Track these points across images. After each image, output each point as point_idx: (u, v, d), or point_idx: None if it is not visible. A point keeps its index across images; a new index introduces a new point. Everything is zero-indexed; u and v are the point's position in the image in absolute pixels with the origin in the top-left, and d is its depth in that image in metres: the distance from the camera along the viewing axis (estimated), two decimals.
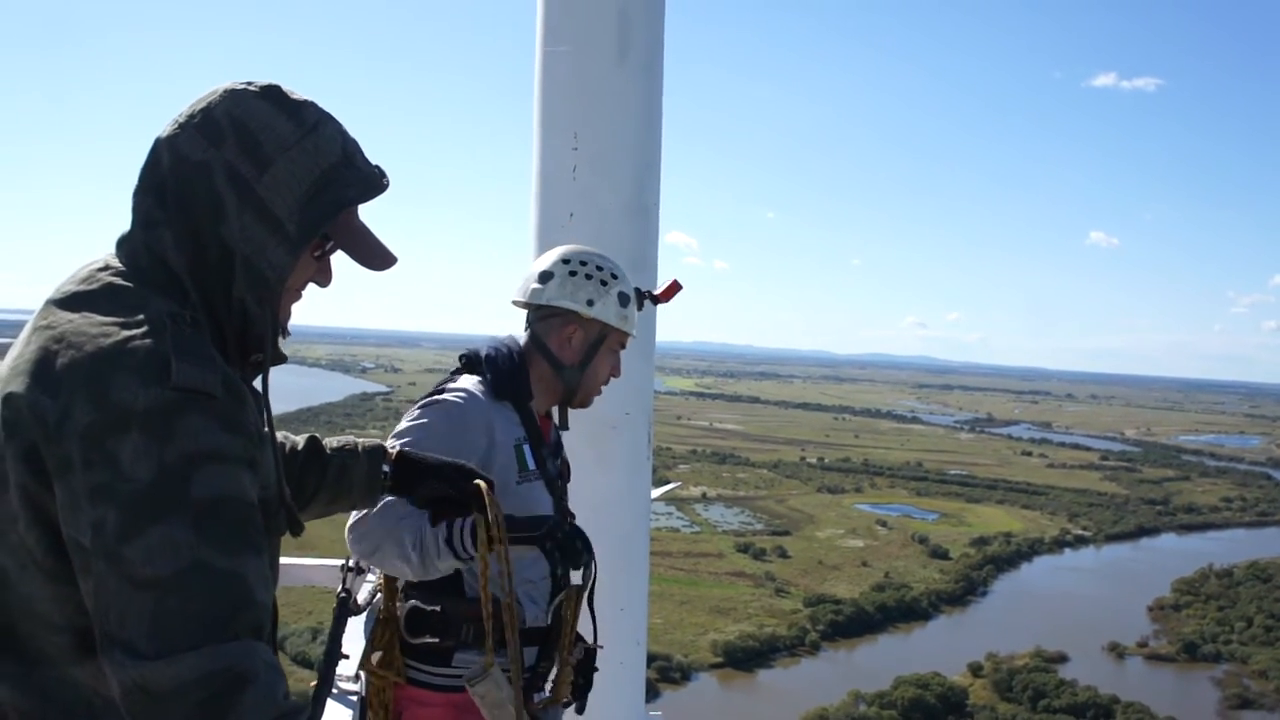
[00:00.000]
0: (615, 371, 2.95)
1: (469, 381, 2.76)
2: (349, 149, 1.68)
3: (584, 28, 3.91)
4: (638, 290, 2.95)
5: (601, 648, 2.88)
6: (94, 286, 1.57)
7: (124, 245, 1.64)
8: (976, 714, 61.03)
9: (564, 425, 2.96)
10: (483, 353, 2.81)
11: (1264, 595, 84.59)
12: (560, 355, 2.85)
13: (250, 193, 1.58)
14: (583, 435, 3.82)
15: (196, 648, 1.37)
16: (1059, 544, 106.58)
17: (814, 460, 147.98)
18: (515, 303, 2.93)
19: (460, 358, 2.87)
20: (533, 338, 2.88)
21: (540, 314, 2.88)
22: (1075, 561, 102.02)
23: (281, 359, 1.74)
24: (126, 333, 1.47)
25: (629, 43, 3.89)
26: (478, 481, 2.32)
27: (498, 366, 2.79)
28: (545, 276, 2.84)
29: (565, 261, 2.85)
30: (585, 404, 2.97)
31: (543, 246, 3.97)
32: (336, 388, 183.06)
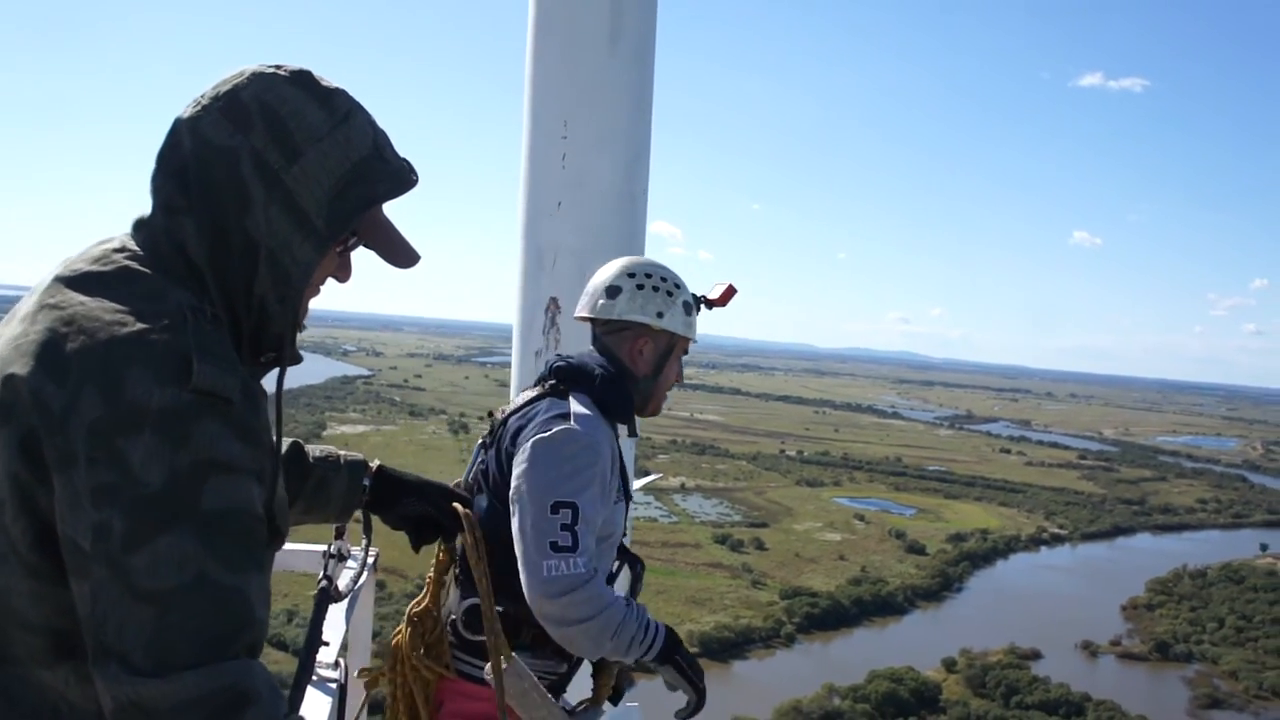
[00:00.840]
0: (679, 377, 2.98)
1: (584, 404, 2.69)
2: (380, 141, 1.60)
3: (575, 15, 3.89)
4: (694, 295, 2.96)
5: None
6: (108, 268, 1.47)
7: (142, 228, 1.55)
8: (949, 709, 61.41)
9: (634, 433, 2.98)
10: (595, 373, 2.77)
11: (1236, 596, 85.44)
12: (633, 367, 2.85)
13: (278, 184, 1.50)
14: None
15: (197, 666, 1.29)
16: (1035, 542, 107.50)
17: (793, 453, 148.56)
18: (580, 318, 2.93)
19: (557, 370, 2.80)
20: (603, 352, 2.88)
21: (609, 328, 2.86)
22: (1051, 559, 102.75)
23: (297, 359, 1.65)
24: (144, 324, 1.38)
25: (620, 31, 3.87)
26: (457, 505, 2.32)
27: (612, 389, 2.77)
28: (613, 291, 2.83)
29: (631, 275, 2.84)
30: (656, 412, 2.98)
31: (531, 234, 3.95)
32: (318, 370, 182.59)
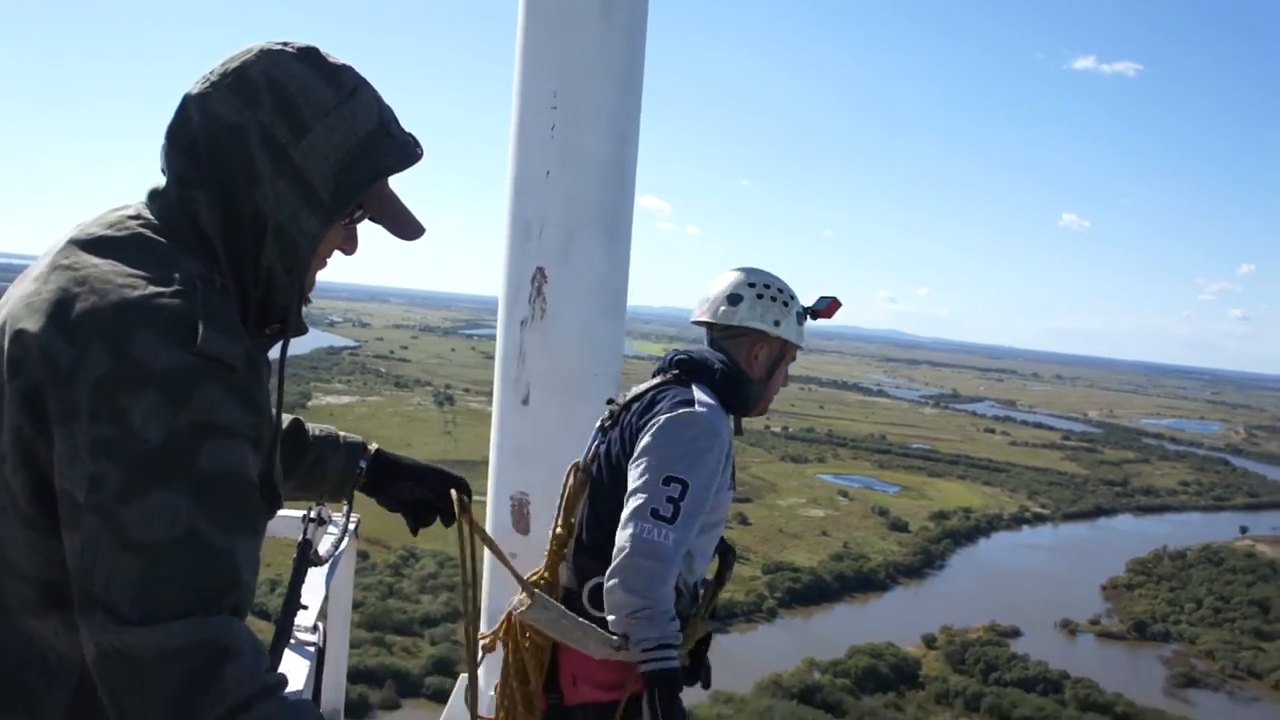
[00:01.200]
0: (785, 381, 3.23)
1: (705, 394, 2.90)
2: (385, 116, 1.63)
3: None
4: (803, 307, 3.20)
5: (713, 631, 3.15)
6: (123, 234, 1.51)
7: (157, 199, 1.58)
8: (928, 685, 61.82)
9: (740, 431, 3.14)
10: (716, 366, 2.98)
11: (1214, 578, 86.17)
12: (748, 370, 3.08)
13: (285, 158, 1.53)
14: (549, 396, 3.80)
15: (183, 617, 1.30)
16: (1017, 521, 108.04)
17: (778, 429, 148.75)
18: (698, 322, 3.17)
19: (679, 362, 3.01)
20: (721, 354, 3.08)
21: (728, 333, 3.10)
22: (1033, 539, 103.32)
23: (303, 330, 1.69)
24: (154, 288, 1.41)
25: (613, 2, 3.84)
26: (453, 490, 2.36)
27: (731, 384, 2.99)
28: (735, 299, 3.08)
29: (751, 285, 3.10)
30: (763, 413, 3.25)
31: (519, 203, 3.93)
32: (304, 340, 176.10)
